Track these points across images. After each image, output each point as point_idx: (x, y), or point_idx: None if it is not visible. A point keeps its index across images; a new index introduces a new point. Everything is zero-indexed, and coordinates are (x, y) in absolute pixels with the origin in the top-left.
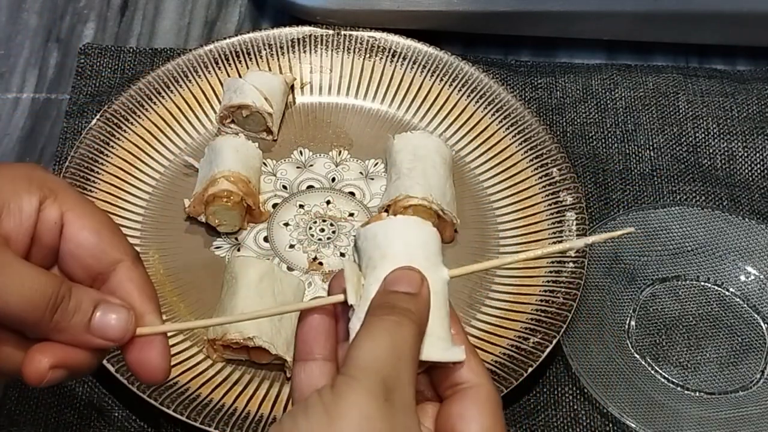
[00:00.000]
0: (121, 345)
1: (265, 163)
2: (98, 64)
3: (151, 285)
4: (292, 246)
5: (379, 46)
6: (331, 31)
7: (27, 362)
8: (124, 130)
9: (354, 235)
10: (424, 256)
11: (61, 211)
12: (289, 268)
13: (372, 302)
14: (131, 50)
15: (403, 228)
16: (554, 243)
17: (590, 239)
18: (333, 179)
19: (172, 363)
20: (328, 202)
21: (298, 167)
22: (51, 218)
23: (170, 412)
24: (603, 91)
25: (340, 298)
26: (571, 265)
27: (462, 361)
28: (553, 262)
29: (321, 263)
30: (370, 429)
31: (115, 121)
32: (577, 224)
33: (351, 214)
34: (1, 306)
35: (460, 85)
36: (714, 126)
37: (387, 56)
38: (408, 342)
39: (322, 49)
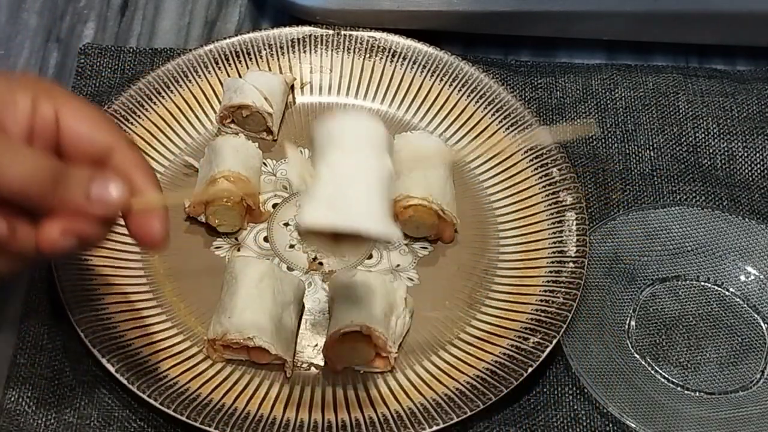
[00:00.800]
0: (122, 213)
1: (265, 163)
2: (98, 64)
3: (148, 165)
4: (292, 246)
5: (379, 46)
6: (331, 31)
7: (39, 232)
8: (124, 130)
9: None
10: (369, 146)
11: (55, 108)
12: (289, 268)
13: None
14: (131, 50)
15: (353, 121)
16: (554, 243)
17: (558, 134)
18: None
19: (172, 363)
20: None
21: None
22: (46, 114)
23: (170, 412)
24: (603, 91)
25: (180, 197)
26: (571, 265)
27: (398, 240)
28: (553, 262)
29: (321, 263)
30: None
31: (115, 121)
32: (577, 224)
33: None
34: (8, 181)
35: (460, 85)
36: (714, 126)
37: (387, 56)
38: None
39: (322, 49)
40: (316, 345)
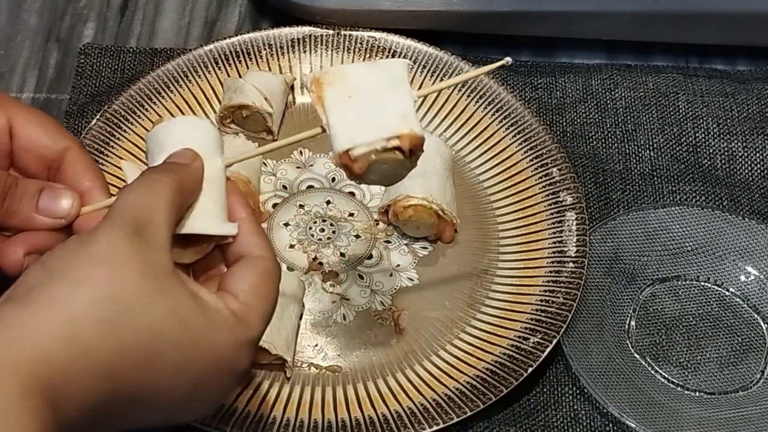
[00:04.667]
0: (69, 223)
1: (265, 163)
2: (98, 64)
3: (97, 167)
4: (292, 246)
5: (379, 46)
6: (331, 31)
7: (3, 255)
8: (124, 130)
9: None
10: (198, 148)
11: (7, 116)
12: (289, 268)
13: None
14: (131, 50)
15: (180, 125)
16: (554, 243)
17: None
18: (333, 179)
19: None
20: (328, 202)
21: (298, 167)
22: (0, 123)
23: None
24: (603, 91)
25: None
26: (571, 265)
27: (232, 235)
28: (553, 262)
29: (321, 263)
30: (115, 253)
31: (115, 121)
32: (577, 224)
33: (351, 214)
34: None
35: (460, 85)
36: (714, 126)
37: (387, 56)
38: (163, 193)
39: (322, 49)
40: (316, 345)
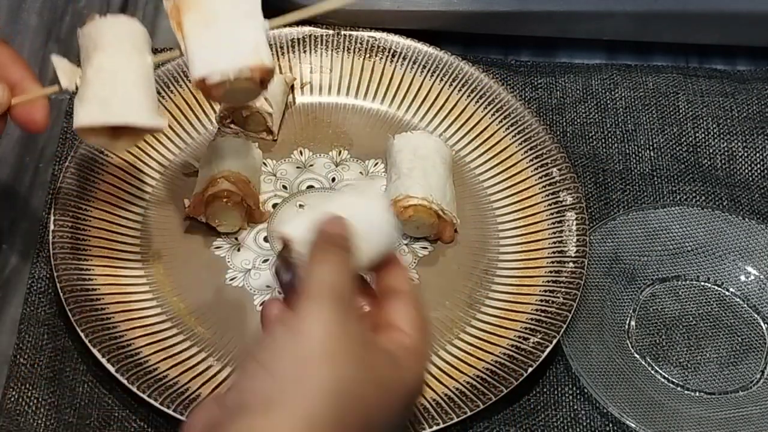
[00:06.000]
0: (2, 111)
1: (265, 163)
2: None
3: (24, 60)
4: None
5: (379, 46)
6: (331, 31)
7: None
8: None
9: None
10: (130, 45)
11: None
12: None
13: (315, 239)
14: None
15: (111, 24)
16: (554, 243)
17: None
18: (333, 179)
19: (172, 363)
20: None
21: (298, 167)
22: None
23: (170, 412)
24: (603, 91)
25: (55, 89)
26: (571, 265)
27: (162, 129)
28: (553, 262)
29: None
30: (329, 343)
31: None
32: (577, 224)
33: None
34: None
35: (460, 85)
36: (714, 126)
37: (387, 56)
38: (347, 266)
39: (322, 49)
40: None
